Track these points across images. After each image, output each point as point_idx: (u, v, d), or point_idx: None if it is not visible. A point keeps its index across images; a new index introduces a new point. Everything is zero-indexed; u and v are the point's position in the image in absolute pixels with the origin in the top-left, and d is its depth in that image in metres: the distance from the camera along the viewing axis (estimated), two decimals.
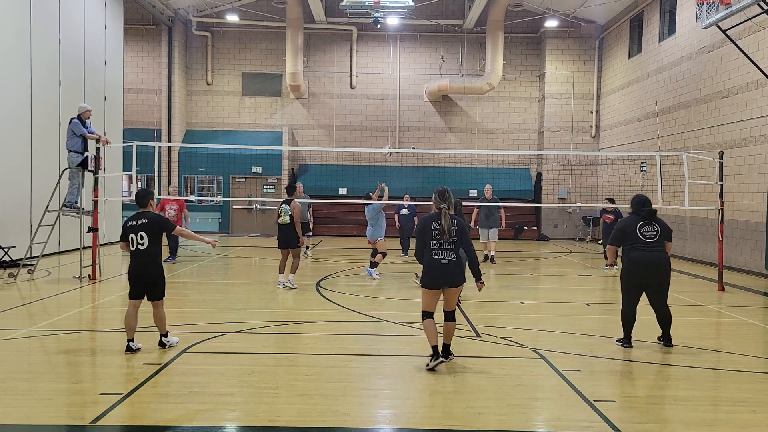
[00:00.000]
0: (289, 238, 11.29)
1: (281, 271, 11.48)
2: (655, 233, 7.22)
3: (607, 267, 14.76)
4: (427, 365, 6.25)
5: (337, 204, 22.55)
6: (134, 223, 6.81)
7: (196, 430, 4.74)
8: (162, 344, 6.92)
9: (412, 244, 17.87)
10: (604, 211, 15.51)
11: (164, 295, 6.92)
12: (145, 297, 6.86)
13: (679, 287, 11.80)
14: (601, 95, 25.00)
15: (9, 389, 5.59)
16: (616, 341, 7.53)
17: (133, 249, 6.79)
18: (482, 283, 6.50)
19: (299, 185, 16.75)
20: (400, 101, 25.94)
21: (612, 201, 15.41)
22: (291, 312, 9.74)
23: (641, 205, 7.42)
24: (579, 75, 25.13)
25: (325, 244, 20.59)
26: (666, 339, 7.49)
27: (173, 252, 15.20)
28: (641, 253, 7.17)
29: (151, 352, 6.81)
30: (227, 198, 24.17)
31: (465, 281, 6.44)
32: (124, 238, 6.89)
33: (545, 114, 25.12)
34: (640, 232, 7.23)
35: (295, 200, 11.49)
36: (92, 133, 12.41)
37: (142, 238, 6.73)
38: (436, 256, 6.31)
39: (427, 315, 6.42)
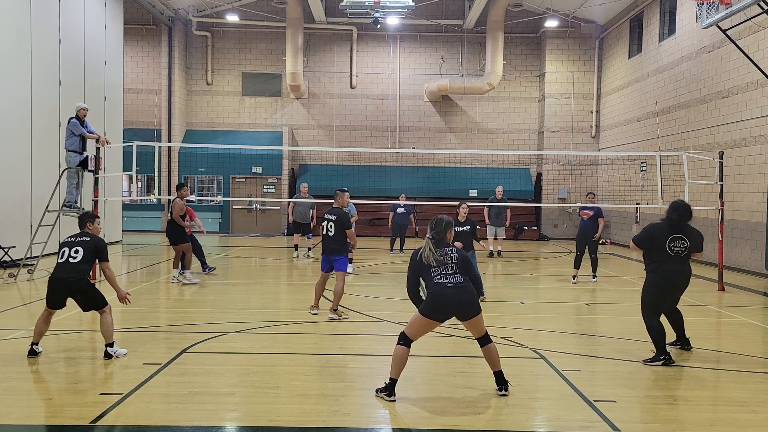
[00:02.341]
0: (168, 234, 12.09)
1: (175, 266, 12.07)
2: (683, 248, 6.75)
3: (575, 280, 12.96)
4: (377, 391, 5.54)
5: None
6: (72, 239, 6.82)
7: (195, 430, 4.75)
8: (108, 355, 6.56)
9: (407, 244, 18.11)
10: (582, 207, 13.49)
11: (107, 303, 6.72)
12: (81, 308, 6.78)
13: None
14: (601, 95, 24.99)
15: (9, 389, 5.60)
16: (647, 361, 6.72)
17: (61, 261, 6.69)
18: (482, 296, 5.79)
19: (304, 185, 16.79)
20: (400, 101, 25.93)
21: (594, 196, 13.71)
22: (291, 312, 9.74)
23: (674, 210, 6.84)
24: (579, 75, 25.12)
25: None
26: (684, 341, 7.27)
27: (204, 263, 13.40)
28: (672, 266, 6.73)
29: (151, 352, 6.81)
30: (227, 198, 24.17)
31: (479, 311, 5.51)
32: (59, 251, 6.81)
33: (545, 114, 25.12)
34: (669, 246, 6.74)
35: (178, 199, 11.99)
36: (91, 133, 12.41)
37: (77, 252, 6.66)
38: (440, 280, 5.47)
39: (404, 340, 5.52)
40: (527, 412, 5.28)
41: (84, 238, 6.82)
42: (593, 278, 13.14)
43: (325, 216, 9.12)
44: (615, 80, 23.55)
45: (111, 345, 6.60)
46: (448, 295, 5.43)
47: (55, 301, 6.70)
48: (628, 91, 22.20)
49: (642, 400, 5.61)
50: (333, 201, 9.25)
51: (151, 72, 25.29)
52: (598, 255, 13.22)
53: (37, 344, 6.66)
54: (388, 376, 5.48)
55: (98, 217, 7.22)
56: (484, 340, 5.61)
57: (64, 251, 6.74)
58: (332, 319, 8.74)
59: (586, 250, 12.90)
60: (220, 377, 6.03)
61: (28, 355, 6.58)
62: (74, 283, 6.61)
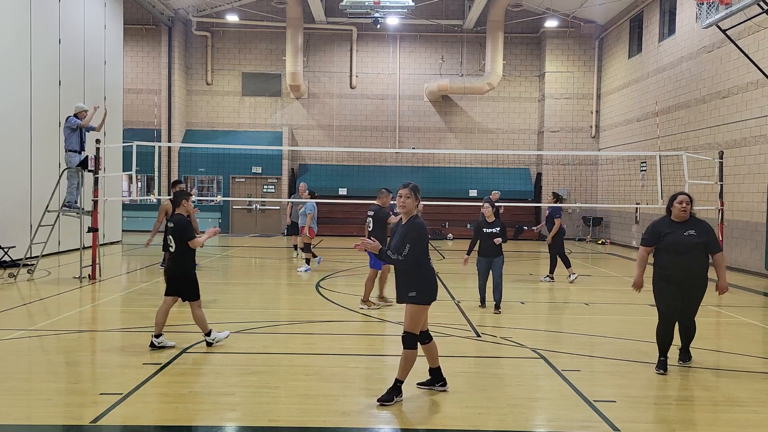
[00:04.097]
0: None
1: None
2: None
3: (574, 277, 12.93)
4: (382, 400, 5.32)
5: (338, 204, 22.54)
6: (169, 225, 7.04)
7: (195, 430, 4.74)
8: (208, 344, 6.99)
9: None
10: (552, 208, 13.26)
11: (198, 298, 7.00)
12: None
13: None
14: (601, 95, 25.00)
15: (9, 389, 5.59)
16: (682, 362, 6.77)
17: (170, 249, 7.04)
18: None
19: (302, 185, 16.75)
20: (400, 101, 25.94)
21: (557, 196, 13.46)
22: (291, 312, 9.74)
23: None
24: (579, 75, 25.13)
25: (325, 244, 20.58)
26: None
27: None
28: None
29: (151, 352, 6.81)
30: (227, 198, 24.17)
31: None
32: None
33: (545, 114, 25.12)
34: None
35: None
36: (87, 113, 12.43)
37: (171, 241, 6.96)
38: (431, 264, 5.56)
39: (413, 342, 5.40)
40: (527, 412, 5.28)
41: (170, 224, 6.99)
42: (546, 277, 12.94)
43: (368, 213, 10.14)
44: (615, 80, 23.55)
45: (209, 334, 6.96)
46: (436, 280, 5.60)
47: (169, 290, 7.01)
48: (628, 91, 22.20)
49: (642, 400, 5.61)
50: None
51: (151, 72, 25.29)
52: (558, 257, 12.88)
53: (158, 336, 6.84)
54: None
55: (191, 195, 7.36)
56: (429, 334, 5.65)
57: (168, 240, 7.00)
58: (361, 309, 9.45)
59: (565, 248, 13.03)
60: (220, 377, 6.03)
61: (149, 345, 6.85)
62: (176, 277, 6.94)
